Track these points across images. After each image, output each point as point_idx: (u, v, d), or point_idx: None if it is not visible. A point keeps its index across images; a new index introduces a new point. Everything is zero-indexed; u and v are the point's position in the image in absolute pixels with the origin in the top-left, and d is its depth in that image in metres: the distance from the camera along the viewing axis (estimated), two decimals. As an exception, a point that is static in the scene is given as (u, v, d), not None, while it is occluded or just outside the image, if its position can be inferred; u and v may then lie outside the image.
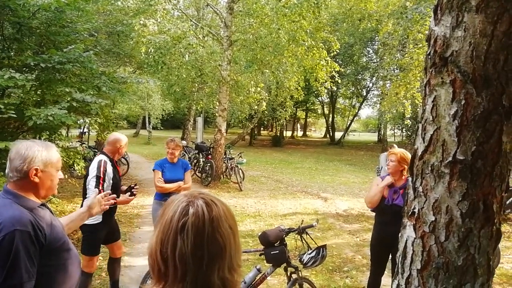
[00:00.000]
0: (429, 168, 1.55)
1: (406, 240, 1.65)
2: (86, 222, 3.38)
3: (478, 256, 1.51)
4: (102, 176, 3.45)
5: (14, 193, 1.69)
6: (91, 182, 3.43)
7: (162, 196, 4.35)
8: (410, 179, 1.67)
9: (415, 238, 1.60)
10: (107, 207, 2.40)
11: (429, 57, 1.57)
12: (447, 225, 1.51)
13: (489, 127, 1.43)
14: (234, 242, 0.95)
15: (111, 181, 3.59)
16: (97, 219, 3.51)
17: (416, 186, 1.61)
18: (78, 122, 6.04)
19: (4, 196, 1.70)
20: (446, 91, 1.49)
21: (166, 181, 4.32)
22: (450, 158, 1.48)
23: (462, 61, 1.44)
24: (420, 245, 1.58)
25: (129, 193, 3.69)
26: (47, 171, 1.75)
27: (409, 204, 1.65)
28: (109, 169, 3.57)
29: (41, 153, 1.72)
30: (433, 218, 1.54)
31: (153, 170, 4.42)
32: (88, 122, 5.97)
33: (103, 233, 3.66)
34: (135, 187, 3.72)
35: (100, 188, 3.38)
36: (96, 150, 11.73)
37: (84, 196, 3.52)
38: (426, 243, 1.56)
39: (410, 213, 1.64)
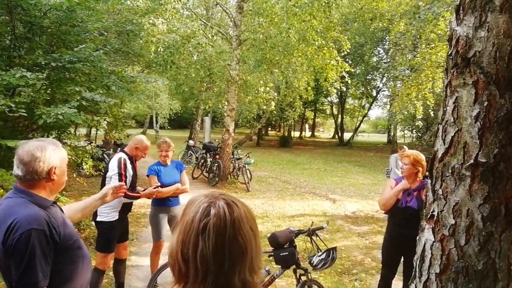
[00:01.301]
0: (450, 171, 1.52)
1: (425, 244, 1.62)
2: (103, 219, 3.53)
3: (498, 261, 1.47)
4: (123, 172, 3.55)
5: (28, 192, 1.68)
6: (113, 178, 3.51)
7: (160, 202, 4.16)
8: (429, 181, 1.64)
9: (434, 242, 1.57)
10: (121, 194, 2.42)
11: (451, 57, 1.54)
12: (468, 228, 1.48)
13: (513, 129, 1.40)
14: (255, 244, 0.93)
15: (131, 179, 3.68)
16: (113, 216, 3.59)
17: (435, 188, 1.58)
18: (101, 123, 6.08)
19: (16, 195, 1.69)
20: (468, 92, 1.46)
21: (164, 186, 4.06)
22: (471, 161, 1.45)
23: (485, 62, 1.41)
24: (439, 248, 1.55)
25: (153, 186, 3.83)
26: (62, 167, 1.78)
27: (428, 207, 1.62)
28: (129, 166, 3.66)
29: (55, 152, 1.74)
30: (453, 222, 1.50)
31: (147, 175, 4.17)
32: (112, 123, 6.04)
33: (118, 231, 3.71)
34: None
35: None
36: (104, 149, 11.80)
37: None
38: (446, 246, 1.53)
39: (429, 216, 1.61)
